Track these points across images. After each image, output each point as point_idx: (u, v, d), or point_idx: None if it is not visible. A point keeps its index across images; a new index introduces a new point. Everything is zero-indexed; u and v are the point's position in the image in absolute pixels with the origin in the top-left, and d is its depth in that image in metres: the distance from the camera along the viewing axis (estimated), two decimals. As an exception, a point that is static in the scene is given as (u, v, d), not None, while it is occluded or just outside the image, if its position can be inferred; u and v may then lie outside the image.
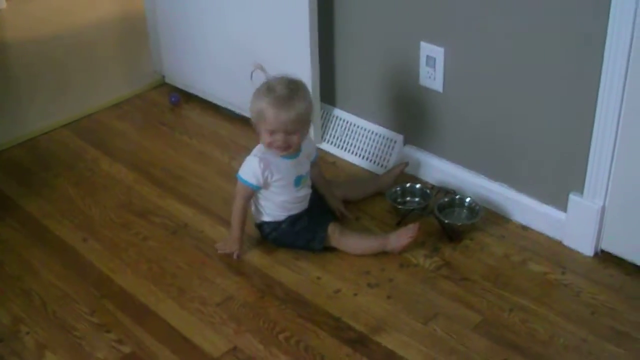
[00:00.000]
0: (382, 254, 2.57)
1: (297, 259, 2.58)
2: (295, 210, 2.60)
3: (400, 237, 2.55)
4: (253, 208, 2.62)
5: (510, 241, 2.63)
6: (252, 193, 2.56)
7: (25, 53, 4.23)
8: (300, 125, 2.46)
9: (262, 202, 2.58)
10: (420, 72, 2.79)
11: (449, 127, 2.82)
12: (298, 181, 2.56)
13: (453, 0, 2.60)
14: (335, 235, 2.57)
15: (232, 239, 2.59)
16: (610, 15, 2.20)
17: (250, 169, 2.51)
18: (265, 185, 2.53)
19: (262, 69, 2.51)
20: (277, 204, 2.57)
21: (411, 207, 2.74)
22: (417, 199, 2.80)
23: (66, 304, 2.44)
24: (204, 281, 2.51)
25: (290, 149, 2.49)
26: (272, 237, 2.61)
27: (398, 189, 2.81)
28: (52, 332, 2.34)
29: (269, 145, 2.48)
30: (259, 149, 2.54)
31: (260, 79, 2.51)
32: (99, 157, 3.20)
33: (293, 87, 2.45)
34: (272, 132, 2.45)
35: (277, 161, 2.51)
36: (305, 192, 2.61)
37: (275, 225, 2.59)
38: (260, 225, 2.63)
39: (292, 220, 2.59)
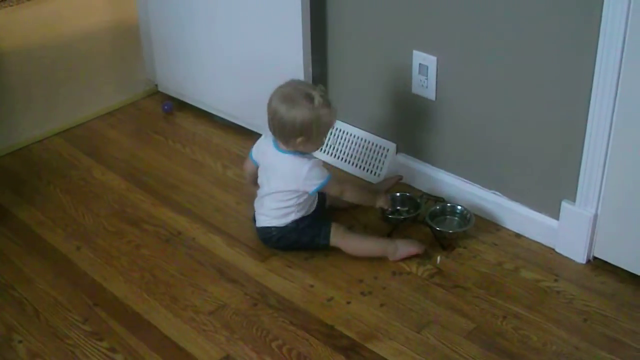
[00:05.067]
0: (376, 261, 2.57)
1: (290, 267, 2.58)
2: (313, 206, 2.64)
3: (407, 248, 2.58)
4: (277, 212, 2.60)
5: (502, 249, 2.63)
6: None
7: (18, 61, 4.23)
8: None
9: (300, 200, 2.58)
10: (413, 81, 2.79)
11: (441, 135, 2.82)
12: None
13: (446, 9, 2.61)
14: (339, 233, 2.59)
15: (381, 200, 2.69)
16: (602, 24, 2.21)
17: (320, 168, 2.57)
18: None
19: None
20: (308, 201, 2.61)
21: (402, 217, 2.74)
22: (406, 209, 2.80)
23: (59, 312, 2.44)
24: (196, 289, 2.50)
25: None
26: (277, 238, 2.61)
27: (388, 198, 2.81)
28: (44, 341, 2.33)
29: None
30: (303, 161, 2.55)
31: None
32: (92, 165, 3.20)
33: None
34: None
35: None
36: None
37: (282, 227, 2.60)
38: (268, 229, 2.62)
39: (297, 220, 2.60)
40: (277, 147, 2.57)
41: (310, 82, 2.99)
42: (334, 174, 2.69)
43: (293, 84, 2.56)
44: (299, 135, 2.49)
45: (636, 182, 2.34)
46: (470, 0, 2.53)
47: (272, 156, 2.59)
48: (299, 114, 2.47)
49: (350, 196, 2.66)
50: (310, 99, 2.48)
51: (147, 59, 3.77)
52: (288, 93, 2.51)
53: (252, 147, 2.71)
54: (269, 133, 2.58)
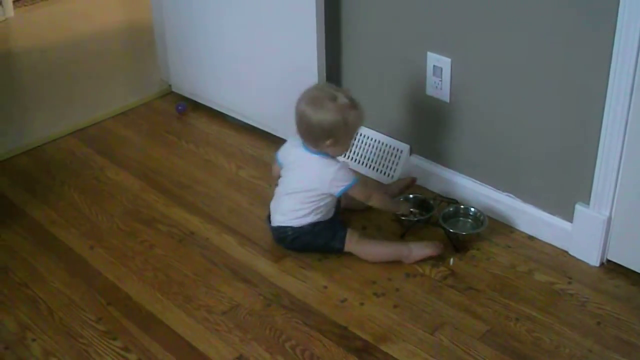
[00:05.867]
0: (389, 263, 2.57)
1: (304, 268, 2.58)
2: (331, 213, 2.64)
3: (422, 251, 2.58)
4: (295, 213, 2.59)
5: (516, 251, 2.63)
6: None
7: (32, 61, 4.24)
8: None
9: (321, 203, 2.58)
10: (427, 82, 2.79)
11: (455, 137, 2.82)
12: None
13: (460, 11, 2.61)
14: (354, 239, 2.59)
15: (403, 208, 2.75)
16: (617, 25, 2.21)
17: (347, 170, 2.58)
18: None
19: None
20: (329, 205, 2.61)
21: (415, 219, 2.74)
22: (419, 211, 2.80)
23: (72, 311, 2.44)
24: (210, 289, 2.51)
25: None
26: (291, 238, 2.61)
27: (408, 206, 2.81)
28: (58, 339, 2.34)
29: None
30: (331, 162, 2.57)
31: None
32: (105, 165, 3.21)
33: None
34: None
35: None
36: None
37: (298, 227, 2.60)
38: (284, 229, 2.62)
39: (314, 223, 2.59)
40: (306, 148, 2.57)
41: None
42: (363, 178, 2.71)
43: (319, 86, 2.59)
44: (327, 138, 2.50)
45: (651, 185, 2.34)
46: (485, 2, 2.53)
47: (299, 155, 2.58)
48: (326, 116, 2.47)
49: (377, 202, 2.67)
50: (335, 100, 2.48)
51: (161, 60, 3.78)
52: (314, 96, 2.52)
53: (277, 152, 2.71)
54: (297, 137, 2.58)
